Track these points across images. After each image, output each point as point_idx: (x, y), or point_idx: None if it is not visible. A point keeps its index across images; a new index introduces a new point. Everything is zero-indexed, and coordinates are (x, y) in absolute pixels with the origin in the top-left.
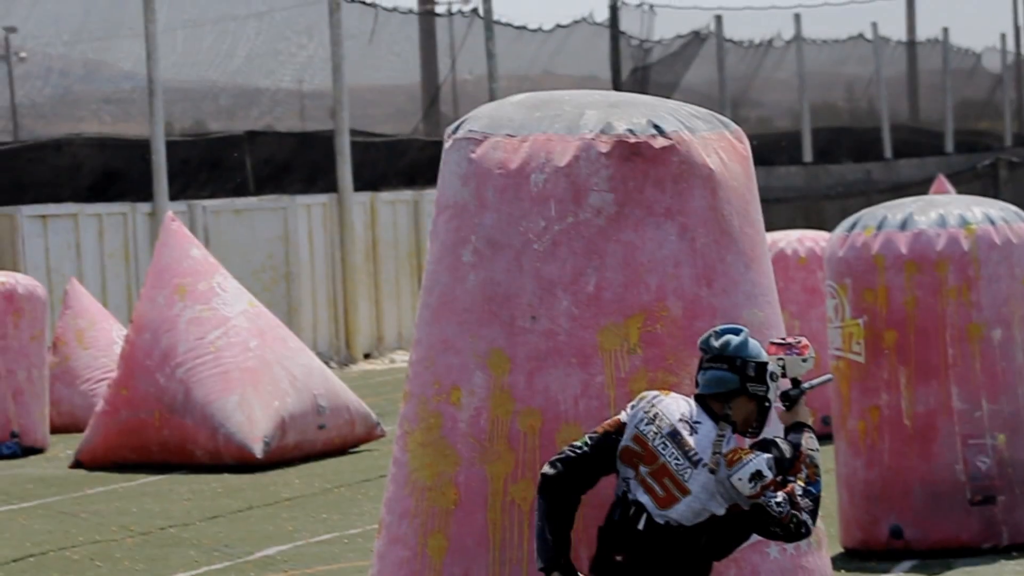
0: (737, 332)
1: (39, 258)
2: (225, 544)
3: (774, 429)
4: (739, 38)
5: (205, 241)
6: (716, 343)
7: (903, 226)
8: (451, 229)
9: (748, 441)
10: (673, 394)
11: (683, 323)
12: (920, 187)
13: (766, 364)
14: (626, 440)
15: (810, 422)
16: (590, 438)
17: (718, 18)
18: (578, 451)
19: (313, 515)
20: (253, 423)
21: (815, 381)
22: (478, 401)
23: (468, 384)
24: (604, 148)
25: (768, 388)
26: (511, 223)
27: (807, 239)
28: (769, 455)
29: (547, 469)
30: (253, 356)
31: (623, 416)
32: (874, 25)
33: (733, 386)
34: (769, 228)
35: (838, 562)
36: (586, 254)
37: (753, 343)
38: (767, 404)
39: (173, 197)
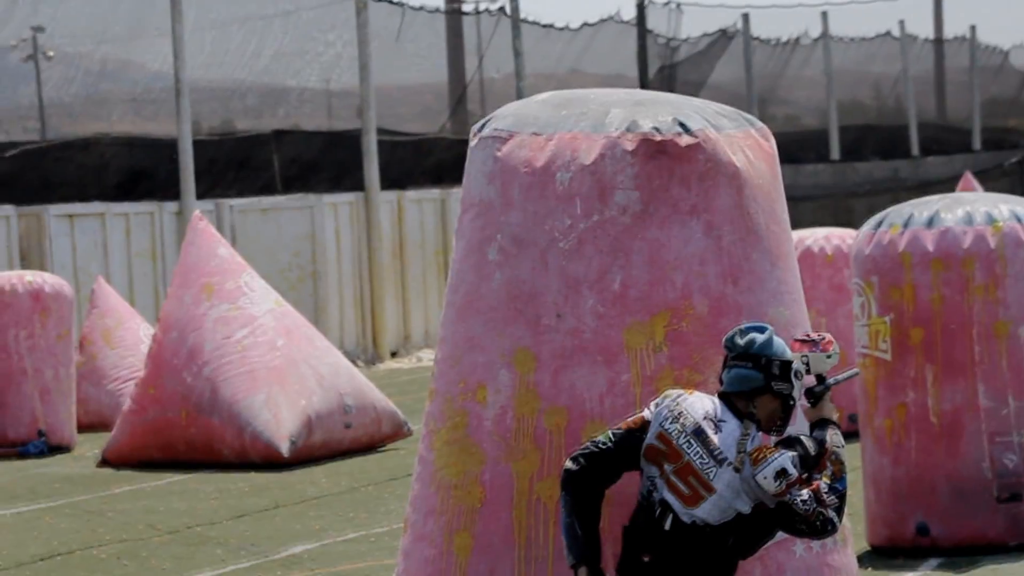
0: (762, 330)
1: (66, 257)
2: (251, 543)
3: (800, 427)
4: (766, 36)
5: (232, 240)
6: (741, 341)
7: (930, 224)
8: (477, 227)
9: (773, 439)
10: (697, 392)
11: (709, 321)
12: (947, 185)
13: (791, 362)
14: (650, 438)
15: (835, 418)
16: (613, 434)
17: (745, 16)
18: (601, 447)
19: (339, 513)
20: (280, 422)
21: (840, 376)
22: (504, 399)
23: (494, 382)
24: (630, 146)
25: (793, 386)
26: (537, 221)
27: (834, 237)
28: (794, 452)
29: (570, 464)
30: (280, 355)
31: (647, 414)
32: (901, 23)
33: (757, 384)
34: (796, 226)
35: (864, 560)
36: (612, 252)
37: (778, 341)
38: (792, 402)
39: (200, 196)
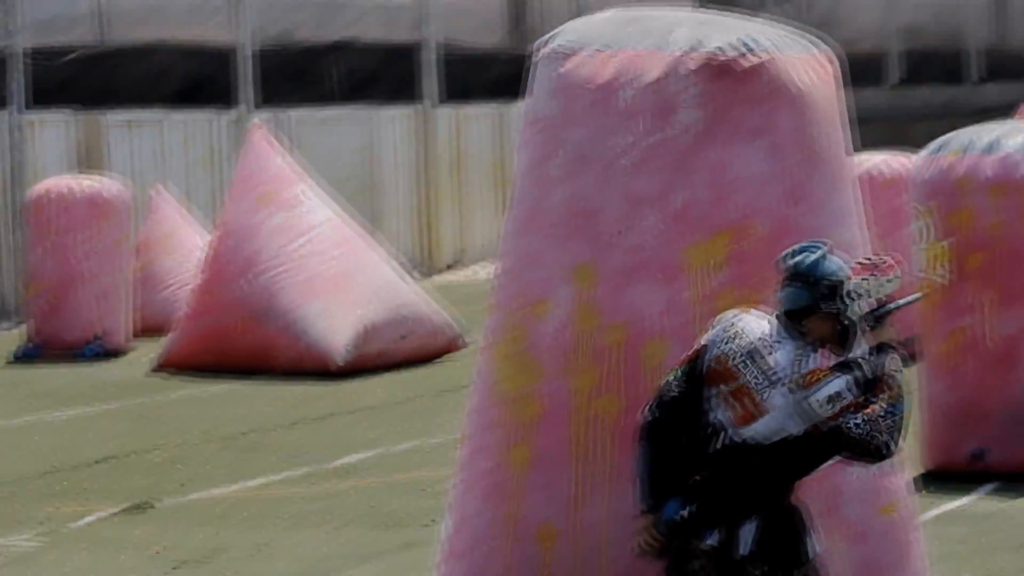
0: (814, 250)
1: (124, 163)
2: (306, 450)
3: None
4: None
5: (290, 150)
6: (792, 261)
7: (989, 149)
8: (539, 143)
9: (831, 361)
10: (754, 312)
11: (769, 242)
12: (1005, 112)
13: (840, 282)
14: (709, 361)
15: (895, 343)
16: (680, 374)
17: None
18: (672, 393)
19: (394, 424)
20: (335, 331)
21: (901, 301)
22: (563, 315)
23: (554, 298)
24: (693, 65)
25: (845, 307)
26: (599, 138)
27: (893, 161)
28: (849, 376)
29: (646, 415)
30: (336, 265)
31: (704, 338)
32: None
33: (807, 304)
34: (855, 149)
35: (920, 483)
36: (673, 171)
37: (830, 261)
38: (846, 323)
39: (259, 106)
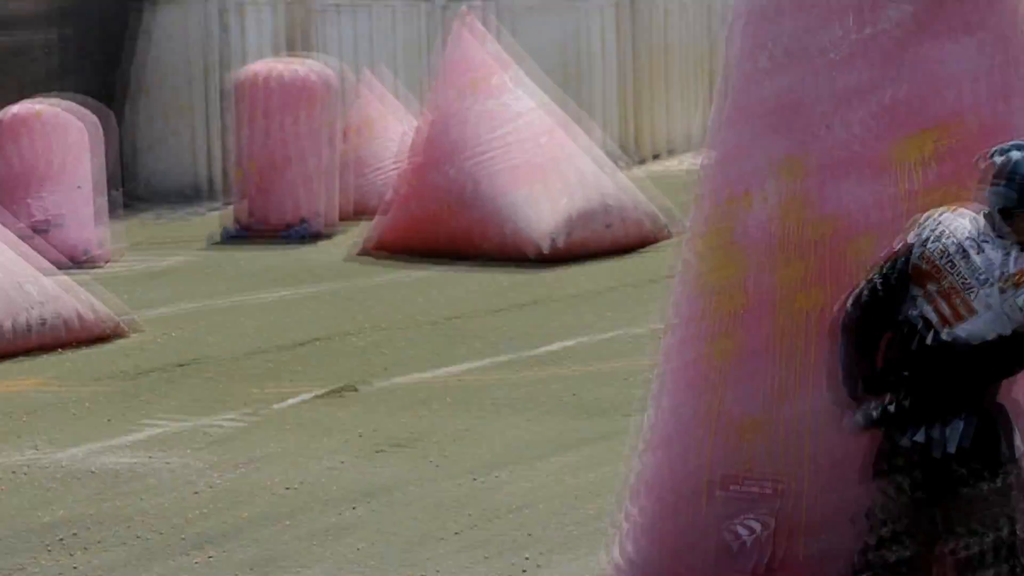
0: (1021, 148)
1: (333, 46)
2: (509, 337)
3: None
4: None
5: (497, 36)
6: (999, 159)
7: None
8: (748, 35)
9: None
10: (961, 210)
11: (979, 139)
12: None
13: None
14: (914, 259)
15: None
16: (883, 271)
17: None
18: (874, 291)
19: (597, 313)
20: (541, 219)
21: None
22: (770, 207)
23: (760, 190)
24: None
25: None
26: (808, 31)
27: None
28: None
29: (846, 310)
30: (543, 152)
31: (910, 236)
32: None
33: (1011, 203)
34: None
35: None
36: (883, 65)
37: None
38: None
39: None
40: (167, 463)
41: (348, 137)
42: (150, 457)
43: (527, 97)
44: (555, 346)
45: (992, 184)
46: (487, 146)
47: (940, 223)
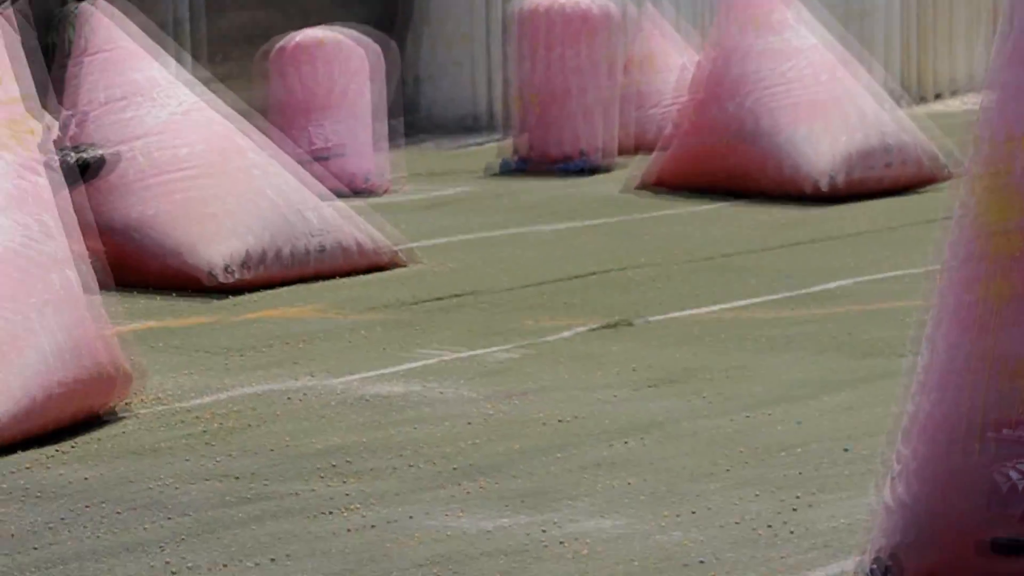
0: None
1: None
2: (786, 275)
3: None
4: None
5: None
6: None
7: None
8: None
9: None
10: None
11: None
12: None
13: None
14: None
15: None
16: None
17: None
18: None
19: (875, 252)
20: (820, 156)
21: None
22: None
23: None
24: None
25: None
26: None
27: None
28: None
29: None
30: (823, 90)
31: None
32: None
33: None
34: None
35: None
36: None
37: None
38: None
39: None
40: (440, 393)
41: (629, 70)
42: (424, 386)
43: (809, 34)
44: (831, 284)
45: None
46: (768, 82)
47: None
